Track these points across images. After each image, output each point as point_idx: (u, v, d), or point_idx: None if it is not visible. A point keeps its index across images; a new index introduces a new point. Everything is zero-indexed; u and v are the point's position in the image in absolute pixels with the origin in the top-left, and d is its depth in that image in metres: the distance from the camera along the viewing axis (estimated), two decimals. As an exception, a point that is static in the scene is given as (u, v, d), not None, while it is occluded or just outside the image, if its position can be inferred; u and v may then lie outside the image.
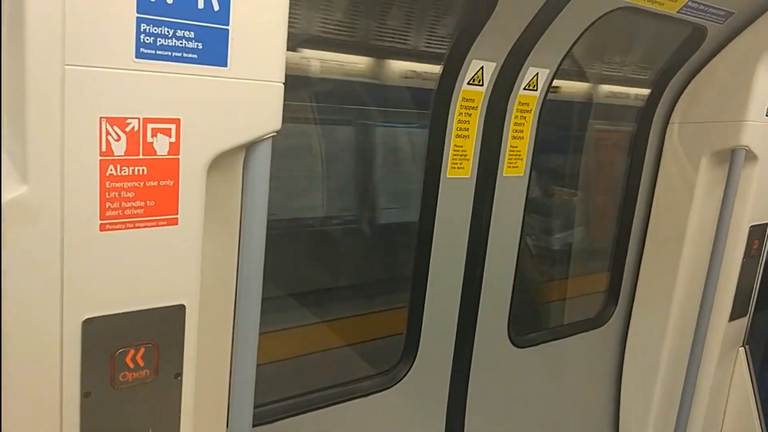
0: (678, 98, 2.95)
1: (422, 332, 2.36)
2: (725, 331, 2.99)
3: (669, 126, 2.99)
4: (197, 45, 1.17)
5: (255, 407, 1.93)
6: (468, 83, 2.17)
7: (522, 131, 2.41)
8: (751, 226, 2.88)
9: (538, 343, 2.85)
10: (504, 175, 2.42)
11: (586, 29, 2.30)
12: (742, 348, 3.17)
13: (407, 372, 2.35)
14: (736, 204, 2.76)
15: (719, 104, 2.79)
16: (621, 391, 3.27)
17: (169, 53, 1.14)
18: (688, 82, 2.90)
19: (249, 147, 1.30)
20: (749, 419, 3.16)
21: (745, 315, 3.10)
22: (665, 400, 3.11)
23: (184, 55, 1.16)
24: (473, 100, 2.21)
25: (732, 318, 2.99)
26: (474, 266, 2.46)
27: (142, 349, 1.24)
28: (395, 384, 2.33)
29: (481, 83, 2.20)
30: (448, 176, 2.26)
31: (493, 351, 2.63)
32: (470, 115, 2.23)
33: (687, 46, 2.76)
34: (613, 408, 3.29)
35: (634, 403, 3.23)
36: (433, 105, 2.20)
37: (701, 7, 2.46)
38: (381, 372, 2.35)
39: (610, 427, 3.31)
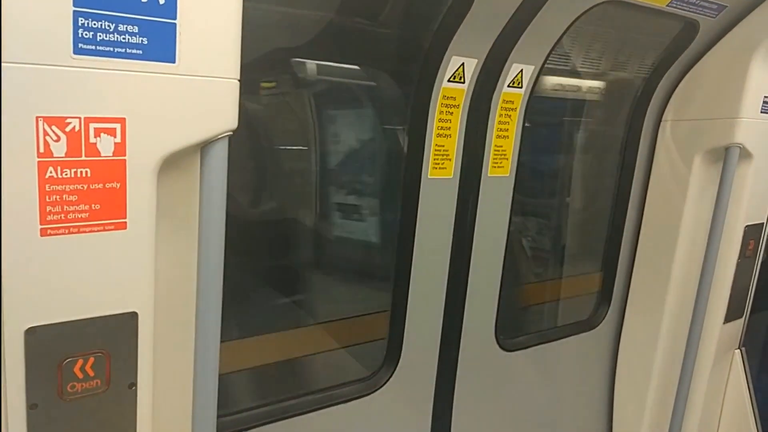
0: (670, 95, 2.88)
1: (405, 336, 2.30)
2: (720, 333, 2.92)
3: (661, 124, 2.93)
4: (141, 40, 1.11)
5: (228, 415, 1.90)
6: (448, 80, 2.10)
7: (507, 130, 2.35)
8: (746, 226, 2.82)
9: (528, 347, 2.78)
10: (489, 175, 2.35)
11: (572, 24, 2.24)
12: (738, 350, 3.11)
13: (389, 377, 2.29)
14: (730, 203, 2.70)
15: (712, 101, 2.72)
16: (614, 394, 3.21)
17: (111, 49, 1.09)
18: (681, 79, 2.83)
19: (204, 147, 1.24)
20: (745, 423, 3.10)
21: (741, 317, 3.03)
22: (659, 404, 3.05)
23: (128, 50, 1.10)
24: (455, 98, 2.15)
25: (727, 320, 2.92)
26: (459, 269, 2.39)
27: (92, 359, 1.19)
28: (377, 390, 2.27)
29: (462, 80, 2.13)
30: (429, 177, 2.19)
31: (480, 355, 2.57)
32: (452, 113, 2.17)
33: (679, 42, 2.70)
34: (606, 412, 3.23)
35: (627, 407, 3.17)
36: (412, 103, 2.14)
37: (692, 0, 2.39)
38: (362, 378, 2.29)
39: (604, 430, 3.24)
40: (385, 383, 2.28)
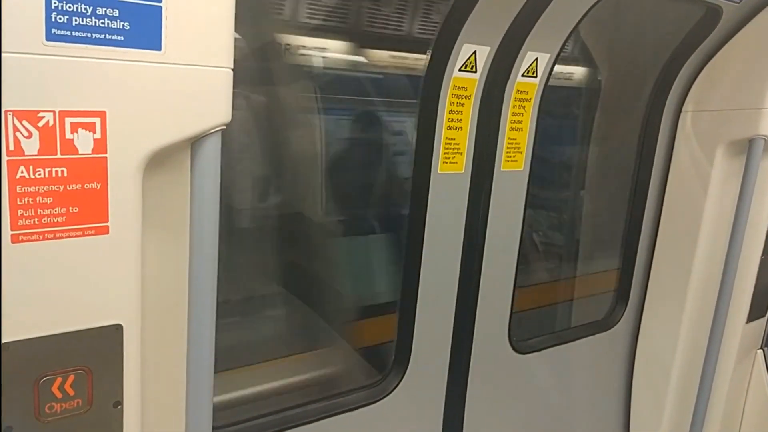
0: (691, 85, 2.75)
1: (414, 339, 2.20)
2: (742, 333, 2.80)
3: (682, 115, 2.80)
4: (123, 25, 1.00)
5: (228, 426, 1.80)
6: (459, 70, 1.98)
7: (521, 122, 2.23)
8: None
9: (542, 348, 2.67)
10: (502, 169, 2.24)
11: (590, 10, 2.12)
12: (761, 351, 3.00)
13: (398, 383, 2.18)
14: (754, 197, 2.58)
15: (736, 91, 2.59)
16: (631, 397, 3.09)
17: (88, 35, 0.98)
18: (702, 68, 2.70)
19: (194, 142, 1.13)
20: (768, 425, 2.99)
21: (764, 316, 2.92)
22: (679, 407, 2.93)
23: (108, 36, 0.99)
24: (466, 89, 2.03)
25: (750, 319, 2.81)
26: (470, 267, 2.28)
27: (72, 377, 1.09)
28: (385, 396, 2.16)
29: (474, 70, 2.02)
30: (439, 172, 2.08)
31: (492, 357, 2.46)
32: (463, 104, 2.05)
33: (700, 29, 2.57)
34: (623, 415, 3.12)
35: (645, 410, 3.06)
36: (421, 94, 2.02)
37: (715, -16, 2.27)
38: (369, 384, 2.18)
39: None
40: (394, 389, 2.18)
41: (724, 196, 2.70)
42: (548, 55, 2.16)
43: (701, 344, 2.76)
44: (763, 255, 2.73)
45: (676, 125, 2.80)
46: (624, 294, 2.98)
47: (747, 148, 2.56)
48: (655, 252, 2.94)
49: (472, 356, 2.38)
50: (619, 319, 2.96)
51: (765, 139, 2.52)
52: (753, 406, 3.03)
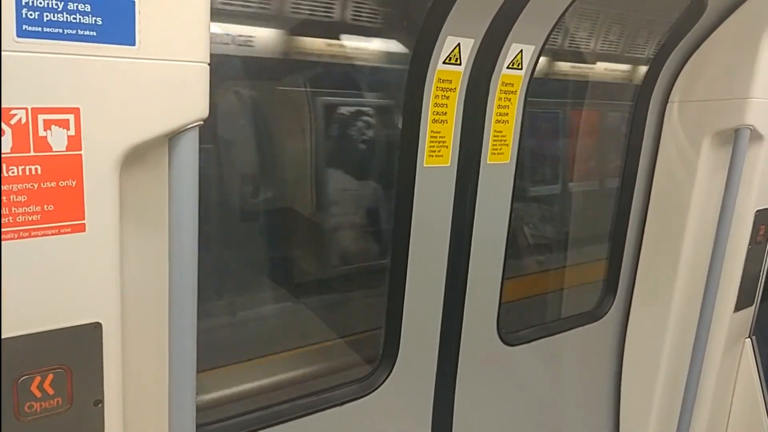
0: (677, 75, 2.75)
1: (402, 333, 2.19)
2: (730, 322, 2.82)
3: (668, 105, 2.80)
4: (95, 20, 0.99)
5: (215, 422, 1.80)
6: (444, 62, 1.97)
7: (507, 114, 2.22)
8: (757, 211, 2.70)
9: (531, 340, 2.68)
10: (488, 162, 2.23)
11: (574, 1, 2.11)
12: (749, 339, 3.01)
13: (386, 377, 2.18)
14: (740, 187, 2.58)
15: (721, 81, 2.60)
16: (621, 387, 3.11)
17: (60, 30, 0.96)
18: (688, 58, 2.70)
19: (171, 138, 1.12)
20: (757, 413, 3.00)
21: (751, 305, 2.93)
22: (668, 396, 2.95)
23: (80, 32, 0.98)
24: (450, 81, 2.02)
25: (737, 308, 2.82)
26: (458, 260, 2.28)
27: (51, 375, 1.08)
28: (373, 391, 2.16)
29: (458, 62, 2.01)
30: (425, 165, 2.07)
31: (481, 350, 2.46)
32: (448, 97, 2.04)
33: (686, 19, 2.57)
34: (613, 405, 3.13)
35: (634, 399, 3.07)
36: (405, 87, 2.01)
37: (699, -25, 2.27)
38: (357, 378, 2.18)
39: (610, 424, 3.15)
40: (383, 383, 2.18)
41: (710, 185, 2.70)
42: (533, 46, 2.15)
43: (690, 334, 2.77)
44: (749, 244, 2.74)
45: (663, 116, 2.80)
46: (612, 285, 2.98)
47: (733, 137, 2.56)
48: (643, 242, 2.95)
49: (460, 349, 2.38)
50: (608, 310, 2.97)
51: (751, 129, 2.53)
52: (741, 395, 3.04)
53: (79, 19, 0.98)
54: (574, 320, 2.93)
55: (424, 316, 2.25)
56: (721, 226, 2.61)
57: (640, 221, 2.94)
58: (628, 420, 3.11)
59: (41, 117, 0.98)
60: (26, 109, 0.97)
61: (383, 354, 2.21)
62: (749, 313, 2.94)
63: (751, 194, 2.66)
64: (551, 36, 2.19)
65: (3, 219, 0.98)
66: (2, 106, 0.95)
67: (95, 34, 0.99)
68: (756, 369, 3.00)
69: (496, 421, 2.62)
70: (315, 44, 2.23)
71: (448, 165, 2.14)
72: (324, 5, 2.11)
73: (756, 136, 2.56)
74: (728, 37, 2.58)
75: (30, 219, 1.01)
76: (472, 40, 1.99)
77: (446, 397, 2.39)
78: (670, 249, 2.82)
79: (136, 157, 1.10)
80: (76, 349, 1.10)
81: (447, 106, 2.05)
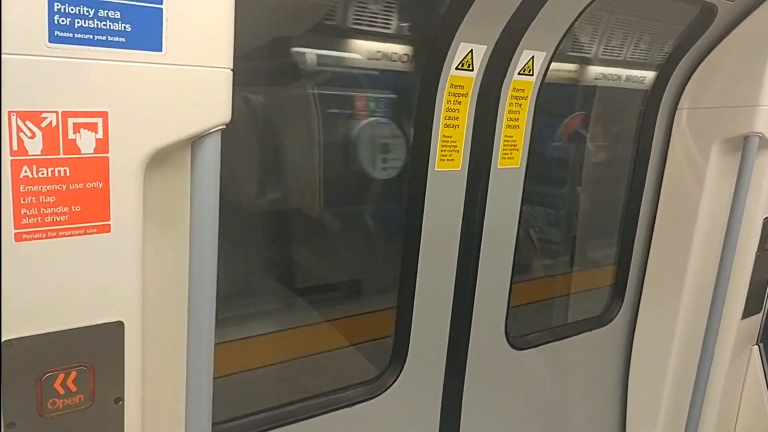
0: (687, 82, 2.77)
1: (411, 335, 2.21)
2: (738, 329, 2.82)
3: (677, 112, 2.81)
4: (124, 27, 1.02)
5: (227, 421, 1.82)
6: (456, 68, 2.00)
7: (517, 119, 2.25)
8: (766, 218, 2.72)
9: (539, 344, 2.69)
10: (498, 166, 2.25)
11: (586, 8, 2.13)
12: (756, 346, 3.01)
13: (396, 379, 2.20)
14: (749, 194, 2.59)
15: (731, 88, 2.61)
16: (628, 392, 3.11)
17: (91, 36, 0.99)
18: (698, 65, 2.71)
19: (194, 142, 1.15)
20: (764, 420, 3.01)
21: (759, 312, 2.93)
22: (675, 402, 2.96)
23: (109, 38, 1.01)
24: (463, 87, 2.05)
25: (745, 315, 2.83)
26: (467, 264, 2.30)
27: (74, 373, 1.10)
28: (383, 392, 2.18)
29: (471, 68, 2.03)
30: (436, 169, 2.09)
31: (489, 354, 2.48)
32: (460, 102, 2.07)
33: (695, 26, 2.58)
34: (620, 411, 3.14)
35: (641, 405, 3.08)
36: (418, 92, 2.04)
37: (710, -17, 2.29)
38: (367, 380, 2.20)
39: (617, 430, 3.15)
40: (392, 385, 2.20)
41: (719, 192, 2.72)
42: (544, 53, 2.17)
43: (697, 340, 2.77)
44: (758, 251, 2.75)
45: (672, 122, 2.81)
46: (620, 290, 3.00)
47: (742, 145, 2.58)
48: (651, 248, 2.96)
49: (469, 352, 2.39)
50: (616, 315, 2.98)
51: (759, 137, 2.54)
52: (749, 401, 3.05)
53: (109, 25, 1.00)
54: (582, 325, 2.94)
55: (433, 318, 2.27)
56: (730, 233, 2.62)
57: (649, 227, 2.95)
58: (634, 425, 3.11)
59: (71, 120, 1.01)
60: (57, 112, 0.99)
61: (393, 356, 2.23)
62: (757, 320, 2.95)
63: (760, 201, 2.67)
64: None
65: (32, 219, 1.01)
66: (34, 110, 0.97)
67: (124, 40, 1.02)
68: (763, 376, 3.00)
69: (503, 424, 2.64)
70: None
71: (459, 169, 2.16)
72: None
73: (765, 143, 2.57)
74: (738, 45, 2.59)
75: (58, 219, 1.03)
76: (485, 47, 2.01)
77: (454, 400, 2.41)
78: (679, 255, 2.83)
79: (159, 160, 1.13)
80: (99, 348, 1.13)
81: (459, 111, 2.08)
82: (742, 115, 2.56)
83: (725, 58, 2.64)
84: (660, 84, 2.75)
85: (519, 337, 2.61)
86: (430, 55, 1.98)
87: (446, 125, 2.06)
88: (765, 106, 2.51)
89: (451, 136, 2.09)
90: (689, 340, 2.86)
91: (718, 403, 2.90)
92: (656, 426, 2.99)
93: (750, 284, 2.77)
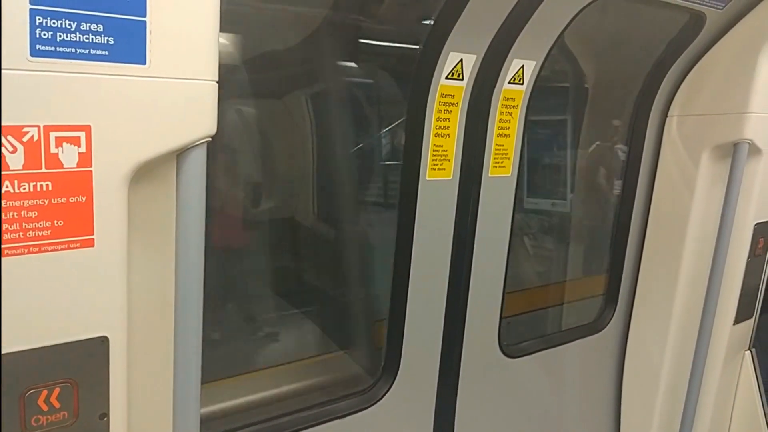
0: (677, 90, 2.78)
1: (404, 345, 2.20)
2: (730, 335, 2.82)
3: (667, 119, 2.82)
4: (107, 40, 1.01)
5: (217, 435, 1.80)
6: (446, 77, 2.00)
7: (508, 128, 2.25)
8: (756, 224, 2.72)
9: (532, 352, 2.68)
10: (489, 175, 2.25)
11: (575, 16, 2.14)
12: (748, 351, 3.01)
13: (388, 389, 2.19)
14: (739, 201, 2.60)
15: (720, 95, 2.62)
16: (621, 399, 3.11)
17: (73, 50, 0.98)
18: (687, 73, 2.73)
19: (180, 154, 1.14)
20: (757, 425, 3.01)
21: (751, 317, 2.94)
22: (668, 408, 2.95)
23: (92, 51, 1.00)
24: (453, 96, 2.05)
25: (737, 321, 2.83)
26: (459, 273, 2.29)
27: (57, 389, 1.09)
28: (375, 403, 2.17)
29: (461, 77, 2.03)
30: (427, 178, 2.09)
31: (483, 362, 2.47)
32: (450, 111, 2.07)
33: (685, 34, 2.59)
34: (614, 417, 3.14)
35: (635, 411, 3.07)
36: (408, 101, 2.03)
37: (698, -9, 2.30)
38: (359, 390, 2.19)
39: None
40: (384, 395, 2.18)
41: (710, 199, 2.72)
42: (534, 62, 2.17)
43: (690, 346, 2.77)
44: (749, 257, 2.75)
45: (662, 129, 2.82)
46: (613, 297, 3.00)
47: (732, 151, 2.58)
48: (643, 255, 2.96)
49: (462, 361, 2.38)
50: (609, 322, 2.98)
51: (749, 143, 2.55)
52: (742, 407, 3.04)
53: (92, 38, 1.00)
54: (575, 332, 2.94)
55: (425, 328, 2.26)
56: (721, 239, 2.62)
57: (640, 234, 2.95)
58: (628, 430, 3.11)
59: (53, 134, 1.00)
60: (38, 126, 0.98)
61: (385, 366, 2.22)
62: (749, 325, 2.95)
63: (750, 207, 2.68)
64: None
65: (13, 234, 1.00)
66: (15, 124, 0.96)
67: (107, 53, 1.01)
68: (756, 381, 3.01)
69: None
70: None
71: (450, 178, 2.15)
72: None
73: (754, 150, 2.58)
74: (726, 53, 2.60)
75: (40, 234, 1.02)
76: (475, 56, 2.01)
77: (448, 409, 2.39)
78: (670, 261, 2.84)
79: (144, 173, 1.12)
80: (83, 363, 1.11)
81: (449, 120, 2.07)
82: (731, 122, 2.57)
83: (715, 65, 2.65)
84: (650, 91, 2.76)
85: (512, 346, 2.61)
86: (420, 65, 1.98)
87: (437, 135, 2.06)
88: (754, 113, 2.52)
89: (442, 146, 2.09)
90: (682, 346, 2.86)
91: (711, 409, 2.90)
92: (651, 430, 2.98)
93: (741, 289, 2.77)
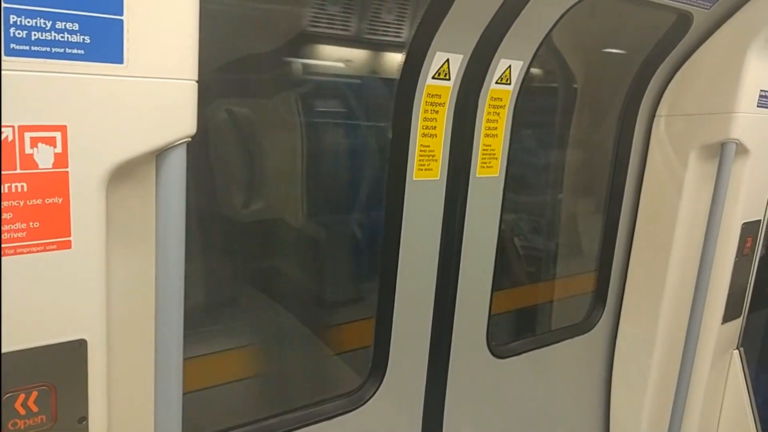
0: (664, 90, 2.78)
1: (392, 346, 2.19)
2: (718, 334, 2.83)
3: (655, 119, 2.83)
4: (83, 39, 0.99)
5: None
6: (433, 77, 1.99)
7: (496, 128, 2.24)
8: (744, 224, 2.73)
9: (520, 353, 2.68)
10: (477, 175, 2.24)
11: (562, 17, 2.13)
12: (737, 351, 3.02)
13: (376, 390, 2.18)
14: (727, 200, 2.60)
15: (707, 95, 2.63)
16: (610, 399, 3.11)
17: (48, 49, 0.97)
18: (675, 73, 2.73)
19: (159, 155, 1.12)
20: (744, 424, 3.02)
21: (739, 316, 2.95)
22: (657, 407, 2.96)
23: (68, 50, 0.98)
24: (440, 96, 2.04)
25: (725, 320, 2.84)
26: (447, 274, 2.29)
27: (35, 393, 1.07)
28: (364, 404, 2.16)
29: (447, 77, 2.02)
30: (414, 179, 2.08)
31: (471, 363, 2.46)
32: (437, 112, 2.06)
33: (672, 34, 2.60)
34: (603, 417, 3.14)
35: (624, 410, 3.08)
36: (395, 101, 2.02)
37: (685, -9, 2.30)
38: (347, 392, 2.18)
39: None
40: (372, 396, 2.18)
41: (697, 198, 2.73)
42: (521, 62, 2.17)
43: (678, 345, 2.78)
44: (736, 256, 2.76)
45: (650, 129, 2.83)
46: (601, 297, 3.00)
47: (719, 151, 2.59)
48: (632, 255, 2.97)
49: (450, 362, 2.38)
50: (597, 322, 2.98)
51: (737, 143, 2.55)
52: (730, 406, 3.05)
53: (67, 37, 0.98)
54: (564, 332, 2.94)
55: (413, 328, 2.25)
56: (708, 238, 2.63)
57: (629, 234, 2.96)
58: (618, 429, 3.11)
59: (28, 135, 0.98)
60: (13, 127, 0.97)
61: (373, 367, 2.21)
62: (737, 324, 2.96)
63: (738, 207, 2.68)
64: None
65: None
66: None
67: (83, 52, 1.00)
68: (744, 380, 3.02)
69: None
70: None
71: (438, 178, 2.15)
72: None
73: (742, 149, 2.59)
74: (714, 53, 2.61)
75: (15, 236, 1.00)
76: (461, 56, 2.01)
77: (436, 410, 2.39)
78: (659, 261, 2.84)
79: (123, 174, 1.11)
80: (61, 366, 1.10)
81: (436, 121, 2.07)
82: (718, 122, 2.58)
83: (702, 65, 2.66)
84: (638, 91, 2.77)
85: (501, 346, 2.60)
86: (407, 64, 1.97)
87: (424, 135, 2.05)
88: (741, 112, 2.53)
89: (429, 146, 2.08)
90: (670, 345, 2.86)
91: (699, 408, 2.90)
92: (640, 430, 2.99)
93: (729, 289, 2.78)
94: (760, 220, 2.83)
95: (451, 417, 2.43)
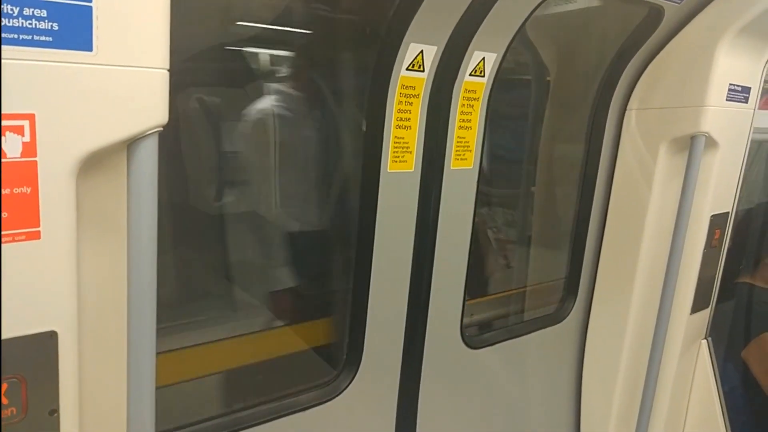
0: (635, 83, 2.82)
1: (366, 337, 2.20)
2: (687, 324, 2.89)
3: (626, 113, 2.86)
4: (51, 26, 0.98)
5: (173, 430, 1.78)
6: (407, 69, 1.99)
7: (470, 120, 2.25)
8: (712, 216, 2.78)
9: (494, 343, 2.71)
10: (451, 168, 2.26)
11: (536, 8, 2.15)
12: (705, 340, 3.08)
13: (350, 382, 2.19)
14: (696, 193, 2.65)
15: (677, 89, 2.66)
16: (582, 388, 3.16)
17: (15, 36, 0.95)
18: (645, 67, 2.77)
19: (130, 144, 1.11)
20: (712, 412, 3.08)
21: (707, 307, 3.01)
22: (627, 395, 3.01)
23: (35, 38, 0.97)
24: (414, 88, 2.04)
25: (693, 310, 2.89)
26: (422, 265, 2.30)
27: (5, 385, 1.06)
28: (338, 395, 2.16)
29: (422, 69, 2.03)
30: (389, 170, 2.09)
31: (445, 353, 2.48)
32: (411, 104, 2.06)
33: (643, 28, 2.63)
34: (574, 405, 3.19)
35: (595, 399, 3.13)
36: (369, 93, 2.02)
37: (657, -15, 2.33)
38: (321, 383, 2.18)
39: (571, 425, 3.20)
40: (346, 387, 2.18)
41: (668, 191, 2.77)
42: (495, 54, 2.18)
43: (648, 335, 2.83)
44: (705, 248, 2.81)
45: (622, 123, 2.86)
46: (573, 287, 3.04)
47: (689, 144, 2.63)
48: (603, 246, 3.01)
49: (424, 353, 2.39)
50: (569, 312, 3.02)
51: (706, 136, 2.60)
52: (698, 394, 3.12)
53: (35, 24, 0.97)
54: (537, 323, 2.98)
55: (387, 320, 2.26)
56: (678, 230, 2.67)
57: (600, 225, 3.00)
58: (588, 419, 3.17)
59: None
60: None
61: (347, 358, 2.22)
62: (705, 315, 3.02)
63: (707, 199, 2.73)
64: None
65: None
66: None
67: (51, 39, 0.98)
68: (712, 369, 3.08)
69: (459, 423, 2.65)
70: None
71: (412, 170, 2.15)
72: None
73: (711, 143, 2.64)
74: (684, 46, 2.65)
75: None
76: (435, 48, 2.01)
77: (410, 400, 2.40)
78: (629, 252, 2.89)
79: (93, 164, 1.09)
80: (31, 359, 1.08)
81: (411, 112, 2.07)
82: (688, 115, 2.62)
83: (672, 59, 2.69)
84: (609, 85, 2.80)
85: (474, 337, 2.63)
86: (380, 56, 1.97)
87: (398, 126, 2.06)
88: (711, 106, 2.57)
89: (403, 138, 2.09)
90: (640, 336, 2.91)
91: (669, 396, 2.96)
92: (610, 419, 3.04)
93: (698, 280, 2.83)
94: (728, 213, 2.88)
95: (426, 407, 2.45)
